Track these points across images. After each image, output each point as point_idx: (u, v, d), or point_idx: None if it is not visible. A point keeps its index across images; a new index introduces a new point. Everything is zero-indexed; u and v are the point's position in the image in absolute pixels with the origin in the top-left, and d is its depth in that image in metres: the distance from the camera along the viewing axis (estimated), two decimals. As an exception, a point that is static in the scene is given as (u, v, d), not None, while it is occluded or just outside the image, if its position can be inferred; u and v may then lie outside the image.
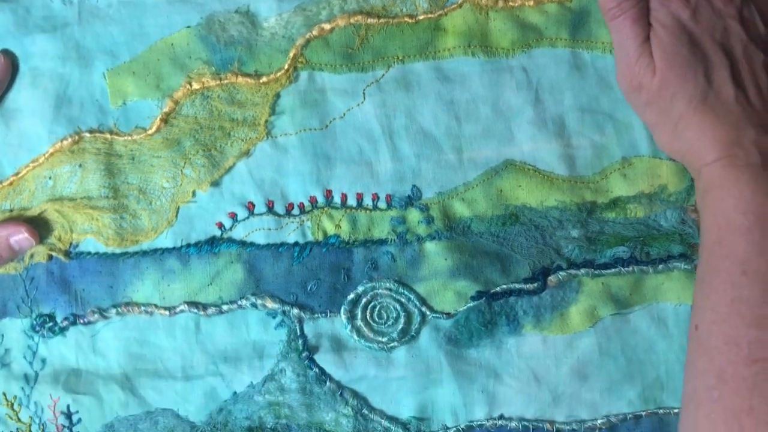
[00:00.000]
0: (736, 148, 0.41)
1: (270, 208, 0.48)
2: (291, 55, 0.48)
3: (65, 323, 0.48)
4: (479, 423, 0.47)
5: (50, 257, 0.48)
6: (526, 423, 0.47)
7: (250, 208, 0.48)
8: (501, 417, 0.47)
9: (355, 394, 0.47)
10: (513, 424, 0.47)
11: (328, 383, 0.47)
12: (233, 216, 0.48)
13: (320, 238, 0.48)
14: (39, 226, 0.48)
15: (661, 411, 0.47)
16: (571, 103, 0.48)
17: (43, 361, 0.48)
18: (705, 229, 0.42)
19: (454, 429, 0.47)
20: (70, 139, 0.48)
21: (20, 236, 0.47)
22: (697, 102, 0.42)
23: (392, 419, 0.47)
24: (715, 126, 0.42)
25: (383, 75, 0.48)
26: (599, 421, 0.47)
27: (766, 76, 0.43)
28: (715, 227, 0.42)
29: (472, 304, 0.47)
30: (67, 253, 0.48)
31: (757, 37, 0.44)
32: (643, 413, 0.47)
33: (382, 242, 0.48)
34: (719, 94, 0.42)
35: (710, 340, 0.40)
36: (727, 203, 0.41)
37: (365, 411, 0.47)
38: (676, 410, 0.47)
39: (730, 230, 0.41)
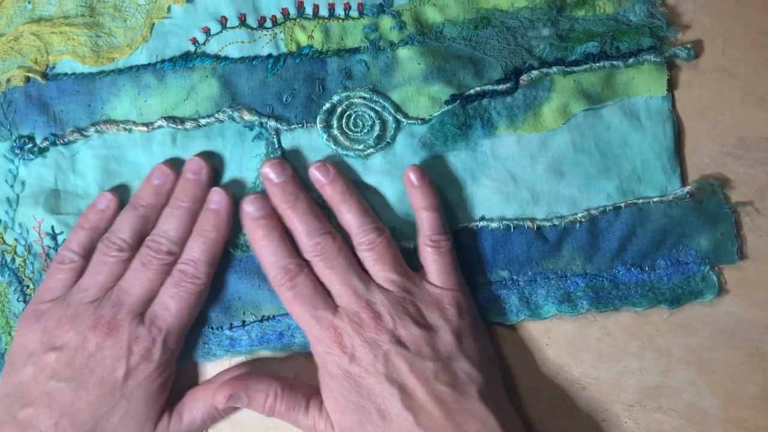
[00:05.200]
0: None
1: (242, 22, 0.49)
2: None
3: (45, 143, 0.48)
4: (462, 226, 0.48)
5: (27, 79, 0.48)
6: (507, 222, 0.47)
7: (223, 22, 0.49)
8: (482, 218, 0.48)
9: None
10: (494, 224, 0.47)
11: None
12: (206, 30, 0.49)
13: (293, 49, 0.48)
14: (15, 50, 0.48)
15: (641, 201, 0.47)
16: None
17: (23, 183, 0.48)
18: None
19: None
20: (47, -36, 0.49)
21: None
22: None
23: None
24: None
25: None
26: (579, 215, 0.47)
27: (444, 377, 0.42)
28: None
29: (446, 108, 0.48)
30: (44, 75, 0.48)
31: (420, 346, 0.43)
32: (623, 204, 0.47)
33: (356, 51, 0.48)
34: (399, 425, 0.42)
35: None
36: None
37: None
38: (655, 199, 0.47)
39: None
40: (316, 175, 0.46)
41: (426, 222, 0.46)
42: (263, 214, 0.46)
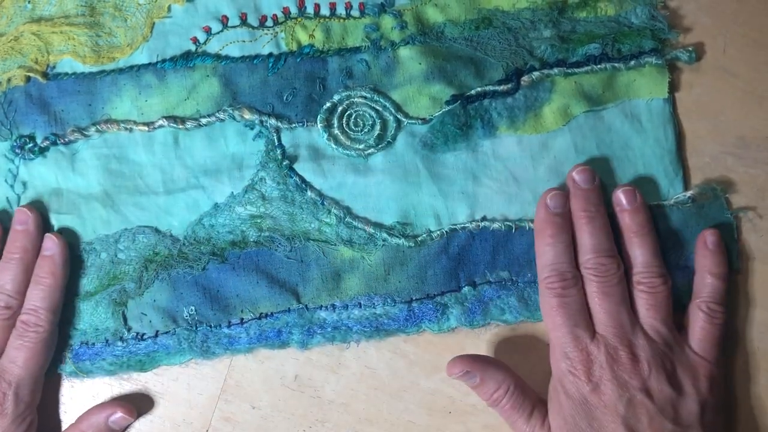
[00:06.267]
0: None
1: (243, 21, 0.49)
2: None
3: (46, 143, 0.48)
4: (462, 225, 0.47)
5: (28, 79, 0.48)
6: (509, 223, 0.47)
7: (224, 21, 0.49)
8: (484, 218, 0.48)
9: (337, 203, 0.48)
10: (496, 225, 0.47)
11: (309, 192, 0.48)
12: (207, 30, 0.48)
13: (294, 48, 0.48)
14: (15, 50, 0.48)
15: None
16: None
17: (24, 184, 0.48)
18: None
19: (438, 232, 0.47)
20: (47, -37, 0.49)
21: (117, 416, 0.46)
22: None
23: (377, 225, 0.48)
24: None
25: None
26: None
27: None
28: None
29: (447, 108, 0.48)
30: (45, 75, 0.48)
31: (665, 404, 0.43)
32: None
33: (357, 50, 0.48)
34: None
35: None
36: None
37: (349, 219, 0.47)
38: (656, 203, 0.47)
39: None
40: (621, 198, 0.46)
41: (709, 288, 0.45)
42: (560, 212, 0.46)
